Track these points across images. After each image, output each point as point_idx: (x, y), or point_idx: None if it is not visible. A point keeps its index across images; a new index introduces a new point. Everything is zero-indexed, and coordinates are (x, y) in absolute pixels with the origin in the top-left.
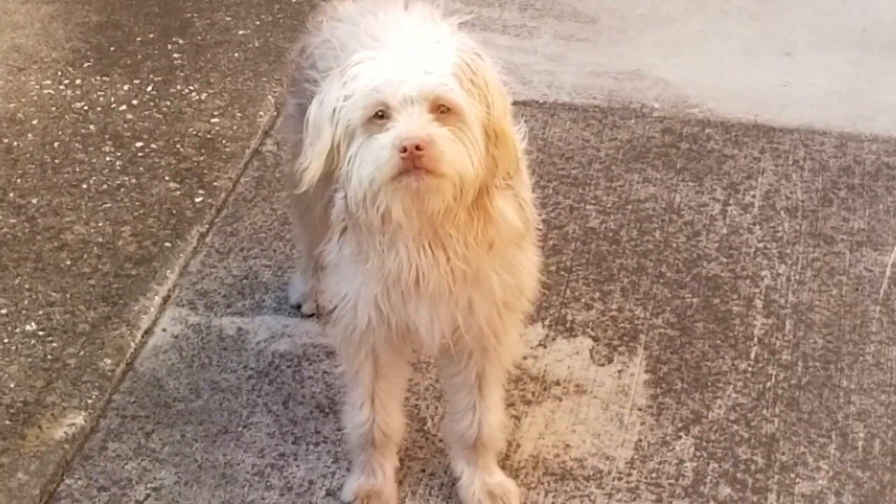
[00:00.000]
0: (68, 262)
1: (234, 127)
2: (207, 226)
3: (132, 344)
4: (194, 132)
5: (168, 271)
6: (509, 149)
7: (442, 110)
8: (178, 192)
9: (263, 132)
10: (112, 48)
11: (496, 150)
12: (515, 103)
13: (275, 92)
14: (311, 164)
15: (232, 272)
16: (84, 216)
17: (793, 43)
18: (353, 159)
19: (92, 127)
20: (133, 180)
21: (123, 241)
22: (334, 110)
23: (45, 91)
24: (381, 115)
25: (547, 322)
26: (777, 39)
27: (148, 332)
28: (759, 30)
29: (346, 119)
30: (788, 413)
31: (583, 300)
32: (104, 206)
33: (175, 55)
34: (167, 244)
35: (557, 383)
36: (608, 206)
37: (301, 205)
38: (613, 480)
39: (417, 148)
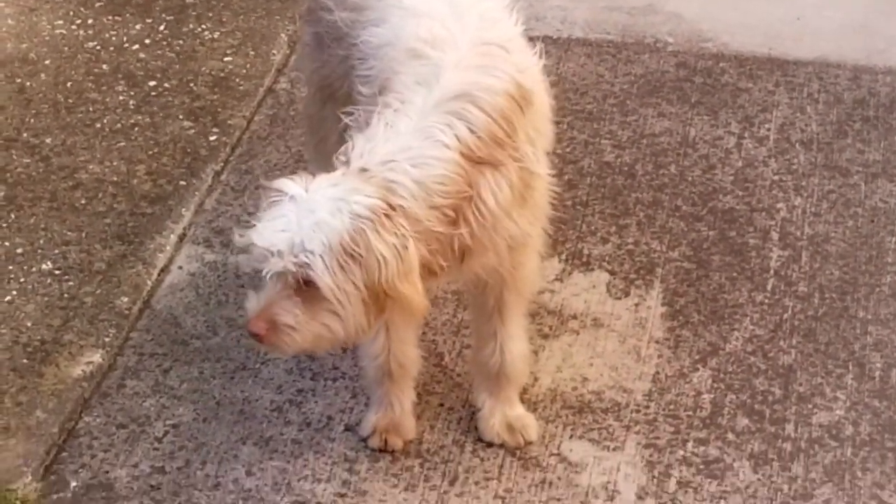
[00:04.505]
0: (83, 202)
1: (248, 65)
2: (222, 164)
3: (148, 282)
4: (207, 71)
5: (183, 209)
6: (406, 303)
7: (308, 283)
8: (193, 131)
9: (277, 70)
10: None
11: (393, 302)
12: (529, 39)
13: (288, 30)
14: None
15: (247, 210)
16: (98, 155)
17: None
18: None
19: (105, 66)
20: (147, 119)
21: (138, 180)
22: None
23: (58, 31)
24: None
25: (563, 256)
26: None
27: (164, 270)
28: None
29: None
30: (805, 344)
31: (599, 234)
32: (118, 145)
33: None
34: (182, 182)
35: (574, 317)
36: (623, 140)
37: (316, 136)
38: (631, 413)
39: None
